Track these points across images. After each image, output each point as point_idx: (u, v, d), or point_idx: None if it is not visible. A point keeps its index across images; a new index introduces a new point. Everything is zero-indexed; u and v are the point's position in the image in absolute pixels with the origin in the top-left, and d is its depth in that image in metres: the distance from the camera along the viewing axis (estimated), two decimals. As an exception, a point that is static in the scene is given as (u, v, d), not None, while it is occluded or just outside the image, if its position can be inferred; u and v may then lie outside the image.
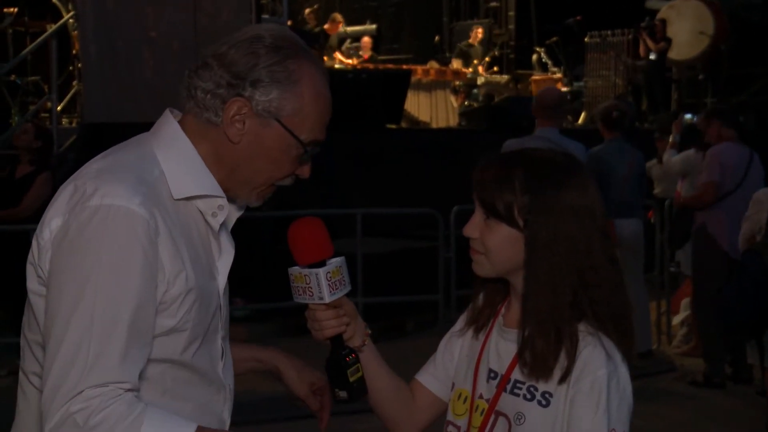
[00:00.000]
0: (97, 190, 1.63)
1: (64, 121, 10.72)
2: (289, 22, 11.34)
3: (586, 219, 1.78)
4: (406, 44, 17.06)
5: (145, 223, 1.62)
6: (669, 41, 14.57)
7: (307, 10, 14.27)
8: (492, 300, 1.95)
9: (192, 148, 1.76)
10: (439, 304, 8.09)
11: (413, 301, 8.21)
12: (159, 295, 1.66)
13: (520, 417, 1.80)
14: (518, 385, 1.82)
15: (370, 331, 1.96)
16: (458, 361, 1.99)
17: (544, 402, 1.78)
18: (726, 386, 6.54)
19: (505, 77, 15.55)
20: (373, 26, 16.09)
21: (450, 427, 1.95)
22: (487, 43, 16.35)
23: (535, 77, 15.40)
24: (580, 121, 14.91)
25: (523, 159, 1.83)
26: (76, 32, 10.08)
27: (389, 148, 10.02)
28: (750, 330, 6.12)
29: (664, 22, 14.84)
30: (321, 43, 13.73)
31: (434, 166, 9.81)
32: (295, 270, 1.85)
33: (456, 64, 15.24)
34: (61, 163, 8.21)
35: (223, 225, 1.83)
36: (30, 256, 1.72)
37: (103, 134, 8.69)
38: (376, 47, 15.39)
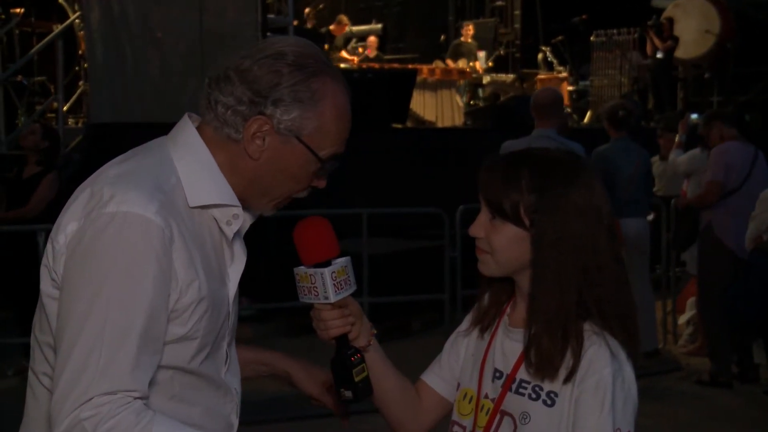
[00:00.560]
0: (114, 196, 1.63)
1: (71, 121, 10.76)
2: (294, 22, 11.34)
3: (592, 218, 1.78)
4: (412, 43, 17.04)
5: (160, 232, 1.63)
6: (676, 40, 14.54)
7: (307, 9, 14.24)
8: (497, 300, 1.95)
9: (210, 157, 1.76)
10: (445, 304, 8.09)
11: (419, 300, 8.21)
12: (171, 303, 1.66)
13: (525, 416, 1.81)
14: (523, 384, 1.82)
15: (375, 331, 1.96)
16: (464, 361, 1.99)
17: (549, 401, 1.78)
18: (732, 386, 6.53)
19: (511, 76, 15.53)
20: (379, 26, 16.07)
21: (455, 427, 1.95)
22: (493, 41, 16.33)
23: (541, 76, 15.37)
24: (586, 120, 14.89)
25: (528, 158, 1.83)
26: (82, 33, 10.11)
27: (395, 148, 10.01)
28: (757, 329, 6.12)
29: (671, 20, 14.82)
30: (325, 43, 13.72)
31: (440, 166, 9.80)
32: (300, 270, 1.85)
33: (462, 63, 15.23)
34: (67, 163, 8.22)
35: (236, 232, 1.83)
36: (45, 259, 1.72)
37: (109, 134, 8.71)
38: (381, 46, 15.38)
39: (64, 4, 11.00)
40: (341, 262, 1.85)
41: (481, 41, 15.77)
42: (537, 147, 1.91)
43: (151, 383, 1.65)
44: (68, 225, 1.67)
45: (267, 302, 7.74)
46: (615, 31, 15.31)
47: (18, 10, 11.20)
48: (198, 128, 1.79)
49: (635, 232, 7.03)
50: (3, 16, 10.95)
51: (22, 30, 11.22)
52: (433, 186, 9.29)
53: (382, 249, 8.24)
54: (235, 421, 1.87)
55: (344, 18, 14.50)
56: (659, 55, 14.35)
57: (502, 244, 1.81)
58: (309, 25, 13.96)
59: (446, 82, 14.30)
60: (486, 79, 15.03)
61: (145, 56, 9.34)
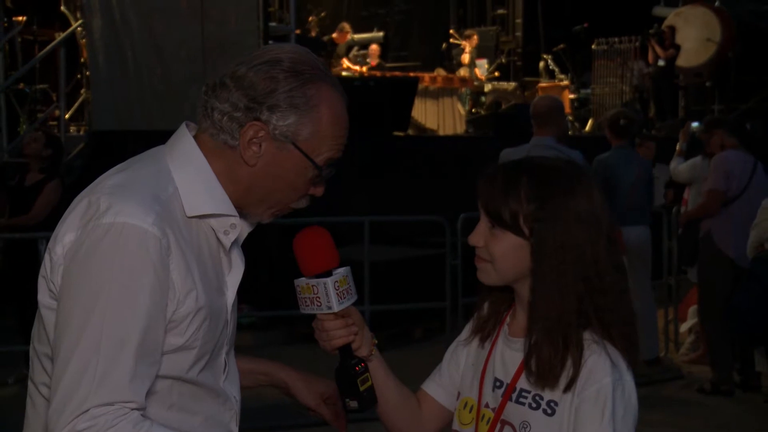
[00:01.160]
0: (111, 207, 1.64)
1: (72, 129, 10.78)
2: (296, 31, 11.36)
3: (592, 226, 1.78)
4: (414, 51, 17.06)
5: (157, 243, 1.63)
6: (678, 48, 14.57)
7: (309, 18, 14.27)
8: (497, 309, 1.95)
9: (207, 166, 1.77)
10: (447, 312, 8.08)
11: (421, 308, 8.20)
12: (169, 313, 1.66)
13: (525, 426, 1.80)
14: (524, 393, 1.82)
15: (376, 341, 1.96)
16: (464, 370, 1.99)
17: (549, 411, 1.78)
18: (734, 394, 6.53)
19: (512, 84, 15.55)
20: (380, 34, 16.10)
21: (456, 436, 1.96)
22: (495, 50, 16.35)
23: (542, 84, 15.39)
24: (587, 128, 14.90)
25: (527, 167, 1.83)
26: (84, 41, 10.13)
27: (396, 156, 10.02)
28: (758, 338, 6.12)
29: (672, 29, 14.84)
30: (327, 51, 13.75)
31: (441, 174, 9.81)
32: (301, 281, 1.85)
33: (463, 71, 15.25)
34: (69, 170, 8.24)
35: (234, 240, 1.83)
36: (42, 269, 1.72)
37: (111, 142, 8.72)
38: (383, 54, 15.40)
39: (67, 12, 11.03)
40: (342, 271, 1.85)
41: (482, 49, 15.79)
42: (536, 156, 1.91)
43: (150, 393, 1.66)
44: (65, 235, 1.68)
45: (268, 310, 7.74)
46: (616, 39, 15.33)
47: (20, 18, 11.23)
48: (195, 137, 1.79)
49: (636, 240, 7.03)
50: (6, 24, 10.97)
51: (24, 38, 11.26)
52: (435, 194, 9.30)
53: (384, 257, 8.24)
54: (235, 429, 1.87)
55: (347, 26, 14.52)
56: (661, 64, 14.37)
57: (501, 252, 1.81)
58: (311, 34, 13.98)
59: (448, 90, 14.32)
60: (487, 88, 15.04)
61: (147, 64, 9.35)
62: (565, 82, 15.68)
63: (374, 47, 14.87)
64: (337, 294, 1.82)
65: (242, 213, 1.82)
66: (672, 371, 7.22)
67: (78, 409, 1.55)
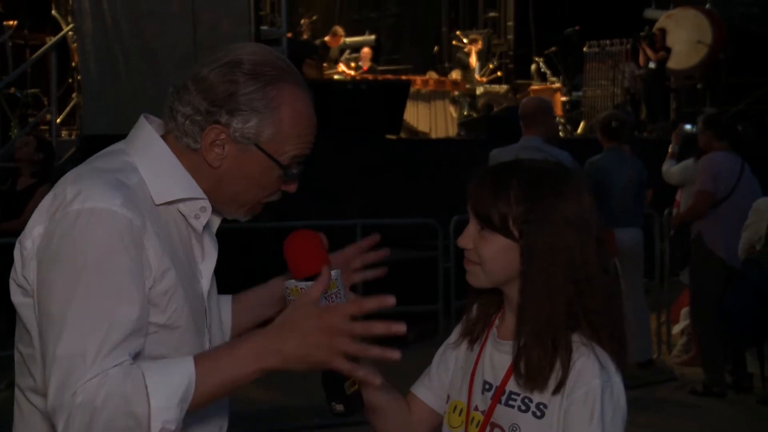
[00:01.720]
0: (78, 194, 1.64)
1: (64, 133, 10.74)
2: (288, 34, 11.35)
3: (581, 228, 1.78)
4: (406, 55, 17.08)
5: (128, 222, 1.63)
6: (669, 50, 14.60)
7: (301, 21, 14.27)
8: (486, 311, 1.95)
9: (169, 152, 1.77)
10: (439, 315, 8.08)
11: (413, 311, 8.18)
12: (146, 290, 1.66)
13: (515, 428, 1.80)
14: (513, 396, 1.82)
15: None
16: (453, 373, 1.99)
17: (538, 413, 1.78)
18: (726, 395, 6.53)
19: (504, 87, 15.57)
20: (372, 37, 16.12)
21: (446, 439, 1.96)
22: (486, 53, 16.38)
23: (534, 87, 15.42)
24: (579, 130, 14.93)
25: (516, 170, 1.83)
26: (75, 45, 10.10)
27: (389, 159, 10.02)
28: (751, 339, 6.13)
29: (663, 31, 14.87)
30: (320, 55, 13.74)
31: (433, 177, 9.81)
32: (291, 283, 1.85)
33: (455, 74, 15.27)
34: (60, 175, 8.20)
35: (206, 228, 1.83)
36: (12, 272, 1.73)
37: (103, 146, 8.66)
38: (375, 58, 15.41)
39: (57, 16, 11.00)
40: (332, 274, 1.84)
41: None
42: (525, 158, 1.91)
43: None
44: (34, 229, 1.69)
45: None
46: (608, 41, 15.37)
47: (11, 22, 11.19)
48: (163, 137, 1.80)
49: (629, 243, 7.05)
50: (-4, 28, 10.95)
51: (15, 42, 11.22)
52: (427, 197, 9.29)
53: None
54: (224, 424, 1.87)
55: (339, 30, 14.53)
56: (651, 66, 14.40)
57: (491, 255, 1.81)
58: (303, 37, 13.98)
59: (440, 93, 14.33)
60: (479, 90, 15.06)
61: (139, 68, 9.33)
62: (557, 85, 15.71)
63: (366, 50, 14.89)
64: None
65: (216, 210, 1.83)
66: (664, 373, 7.23)
67: (72, 387, 1.54)
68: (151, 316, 1.68)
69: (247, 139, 1.74)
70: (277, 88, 1.75)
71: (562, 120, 14.69)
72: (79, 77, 10.08)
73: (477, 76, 15.25)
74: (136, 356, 1.63)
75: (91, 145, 8.84)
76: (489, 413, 1.85)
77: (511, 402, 1.82)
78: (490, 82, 15.57)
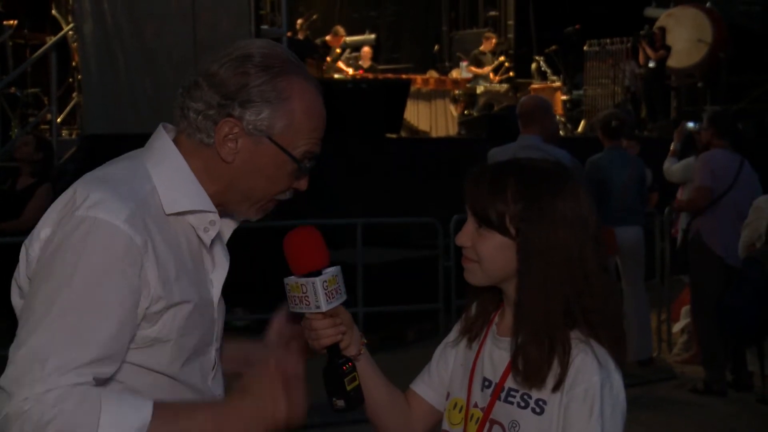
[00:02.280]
0: (86, 199, 1.65)
1: (64, 132, 10.75)
2: (288, 34, 11.35)
3: (578, 227, 1.79)
4: (406, 54, 17.08)
5: (127, 240, 1.63)
6: (668, 49, 14.59)
7: (300, 20, 14.27)
8: (485, 309, 1.95)
9: (184, 163, 1.77)
10: (440, 313, 8.08)
11: (414, 310, 8.20)
12: (142, 309, 1.66)
13: (514, 425, 1.81)
14: (512, 393, 1.82)
15: (366, 341, 1.97)
16: (453, 371, 1.99)
17: (538, 410, 1.79)
18: (726, 394, 6.53)
19: (505, 86, 15.57)
20: (372, 36, 16.11)
21: (445, 436, 1.96)
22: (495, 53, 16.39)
23: (535, 86, 15.41)
24: (580, 129, 14.92)
25: (514, 168, 1.84)
26: (75, 44, 10.11)
27: (389, 158, 10.02)
28: (751, 337, 6.13)
29: (663, 30, 14.86)
30: (320, 54, 13.74)
31: (434, 176, 9.81)
32: (291, 280, 1.85)
33: (456, 73, 15.26)
34: (61, 174, 8.21)
35: (217, 238, 1.83)
36: (16, 272, 1.74)
37: (103, 146, 8.70)
38: (375, 57, 15.40)
39: (58, 15, 11.00)
40: (332, 271, 1.85)
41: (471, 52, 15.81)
42: (523, 157, 1.92)
43: (135, 389, 1.67)
44: (41, 231, 1.69)
45: (262, 313, 7.72)
46: (608, 40, 15.36)
47: (11, 22, 11.19)
48: (175, 140, 1.80)
49: (630, 241, 7.05)
50: (-3, 28, 10.96)
51: (15, 42, 11.22)
52: (427, 196, 9.30)
53: (377, 259, 8.24)
54: None
55: (340, 29, 14.52)
56: (651, 65, 14.40)
57: (488, 253, 1.82)
58: (303, 36, 13.97)
59: (440, 92, 14.33)
60: (480, 89, 15.06)
61: (139, 68, 9.34)
62: (558, 84, 15.70)
63: (366, 50, 14.88)
64: (325, 294, 1.82)
65: (228, 211, 1.83)
66: (665, 371, 7.23)
67: (27, 391, 1.54)
68: (142, 330, 1.68)
69: (260, 132, 1.74)
70: (287, 79, 1.76)
71: (563, 119, 14.69)
72: (79, 77, 10.09)
73: (492, 75, 15.24)
74: (104, 382, 1.62)
75: (92, 144, 8.86)
76: (488, 410, 1.86)
77: (510, 399, 1.83)
78: (505, 81, 15.53)
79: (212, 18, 9.49)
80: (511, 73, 15.86)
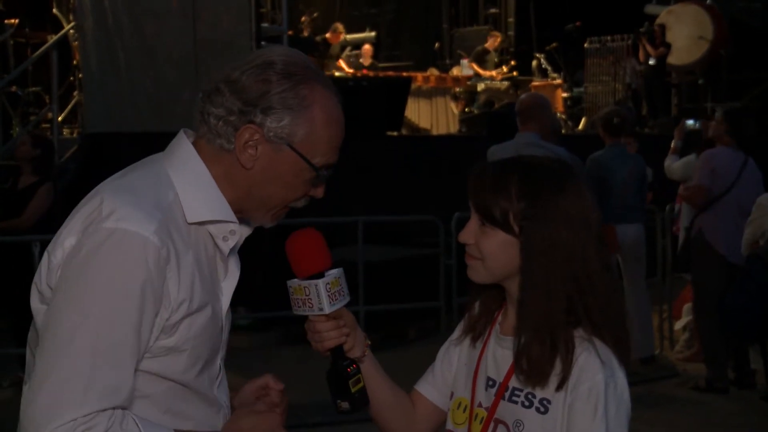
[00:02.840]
0: (113, 212, 1.64)
1: (65, 131, 10.74)
2: (289, 32, 11.34)
3: (581, 226, 1.78)
4: (406, 51, 17.07)
5: (156, 252, 1.64)
6: (668, 46, 14.58)
7: (302, 18, 14.27)
8: (488, 308, 1.95)
9: (206, 171, 1.77)
10: (441, 312, 8.09)
11: (415, 308, 8.20)
12: (162, 320, 1.67)
13: (518, 424, 1.81)
14: (516, 392, 1.82)
15: (369, 342, 1.96)
16: (457, 370, 1.99)
17: (542, 409, 1.79)
18: (729, 391, 6.53)
19: (505, 83, 15.57)
20: (372, 34, 16.10)
21: (450, 436, 1.96)
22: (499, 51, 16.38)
23: (535, 83, 15.41)
24: (581, 126, 14.92)
25: (518, 165, 1.83)
26: (76, 43, 10.10)
27: (390, 156, 10.02)
28: (754, 334, 6.13)
29: (663, 27, 14.85)
30: (320, 52, 13.73)
31: (435, 173, 9.81)
32: (294, 282, 1.85)
33: (456, 70, 15.25)
34: (62, 173, 8.21)
35: (232, 247, 1.83)
36: (36, 276, 1.72)
37: (104, 144, 8.71)
38: (376, 54, 15.40)
39: (59, 14, 10.99)
40: (335, 273, 1.85)
41: (472, 49, 15.79)
42: (527, 154, 1.91)
43: (147, 395, 1.67)
44: (66, 240, 1.68)
45: (263, 311, 7.73)
46: (609, 37, 15.34)
47: (12, 20, 11.19)
48: (193, 143, 1.80)
49: (631, 238, 7.05)
50: (-3, 27, 10.95)
51: (16, 41, 11.22)
52: (428, 193, 9.30)
53: (378, 257, 8.24)
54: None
55: (340, 26, 14.51)
56: (652, 62, 14.39)
57: (491, 250, 1.82)
58: (303, 34, 13.97)
59: (441, 89, 14.33)
60: (480, 87, 15.06)
61: (140, 66, 9.34)
62: (558, 81, 15.69)
63: (367, 47, 14.87)
64: (328, 296, 1.82)
65: (244, 216, 1.83)
66: (667, 369, 7.23)
67: (67, 416, 1.56)
68: (160, 340, 1.69)
69: (280, 139, 1.74)
70: (309, 87, 1.75)
71: (564, 116, 14.69)
72: (80, 75, 10.08)
73: (494, 73, 15.23)
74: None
75: (93, 142, 8.86)
76: (493, 409, 1.85)
77: (514, 398, 1.82)
78: (506, 79, 15.52)
79: (213, 16, 9.49)
80: (515, 73, 15.85)
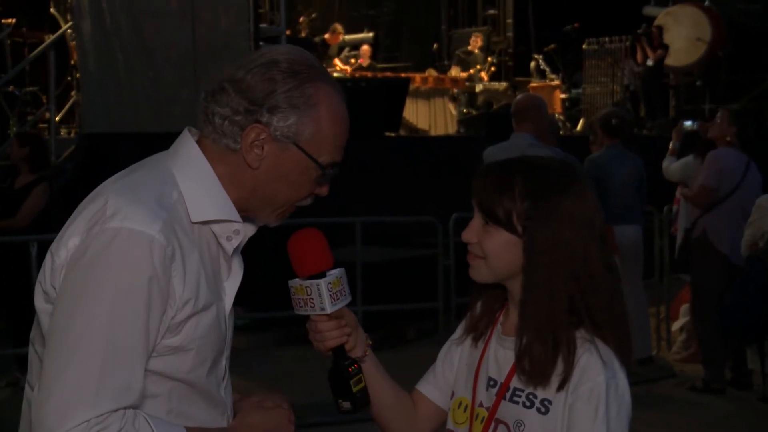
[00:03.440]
0: (118, 211, 1.64)
1: (63, 131, 10.73)
2: (287, 32, 11.34)
3: (584, 226, 1.79)
4: (405, 52, 17.08)
5: (162, 251, 1.63)
6: (666, 48, 14.59)
7: (300, 19, 14.27)
8: (490, 308, 1.95)
9: (210, 170, 1.77)
10: (440, 312, 8.09)
11: (413, 309, 8.20)
12: (167, 319, 1.67)
13: (519, 424, 1.81)
14: (517, 392, 1.82)
15: (371, 342, 1.96)
16: (458, 370, 1.99)
17: (543, 409, 1.79)
18: (726, 392, 6.54)
19: (504, 84, 15.58)
20: (371, 34, 16.11)
21: (450, 436, 1.95)
22: (486, 50, 16.38)
23: (534, 84, 15.42)
24: (579, 127, 14.93)
25: (522, 166, 1.84)
26: (74, 43, 10.10)
27: (388, 156, 10.02)
28: (753, 335, 6.13)
29: (660, 28, 14.87)
30: (319, 52, 13.74)
31: (433, 174, 9.81)
32: (295, 282, 1.85)
33: (455, 71, 15.26)
34: (60, 173, 8.21)
35: (236, 247, 1.83)
36: (40, 275, 1.72)
37: (102, 144, 8.70)
38: (374, 55, 15.40)
39: (56, 14, 10.99)
40: (336, 272, 1.85)
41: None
42: (531, 155, 1.92)
43: (151, 395, 1.67)
44: (70, 240, 1.67)
45: (263, 312, 7.73)
46: (607, 39, 15.36)
47: (9, 20, 11.18)
48: (198, 142, 1.79)
49: (629, 239, 7.04)
50: (-5, 27, 10.94)
51: (13, 40, 11.21)
52: (427, 194, 9.30)
53: (376, 257, 8.24)
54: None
55: (339, 27, 14.52)
56: (650, 63, 14.40)
57: (494, 249, 1.82)
58: (302, 35, 13.97)
59: (439, 90, 14.33)
60: (479, 88, 15.07)
61: (138, 66, 9.33)
62: (556, 82, 15.70)
63: (365, 48, 14.88)
64: (330, 295, 1.82)
65: (249, 216, 1.82)
66: (664, 370, 7.23)
67: (79, 417, 1.56)
68: (166, 339, 1.69)
69: (287, 138, 1.73)
70: (314, 86, 1.75)
71: (562, 117, 14.70)
72: (77, 75, 10.08)
73: (483, 74, 15.24)
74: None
75: (90, 142, 8.85)
76: (493, 409, 1.85)
77: (515, 398, 1.82)
78: (492, 79, 15.55)
79: (211, 16, 9.48)
80: (492, 69, 15.82)
